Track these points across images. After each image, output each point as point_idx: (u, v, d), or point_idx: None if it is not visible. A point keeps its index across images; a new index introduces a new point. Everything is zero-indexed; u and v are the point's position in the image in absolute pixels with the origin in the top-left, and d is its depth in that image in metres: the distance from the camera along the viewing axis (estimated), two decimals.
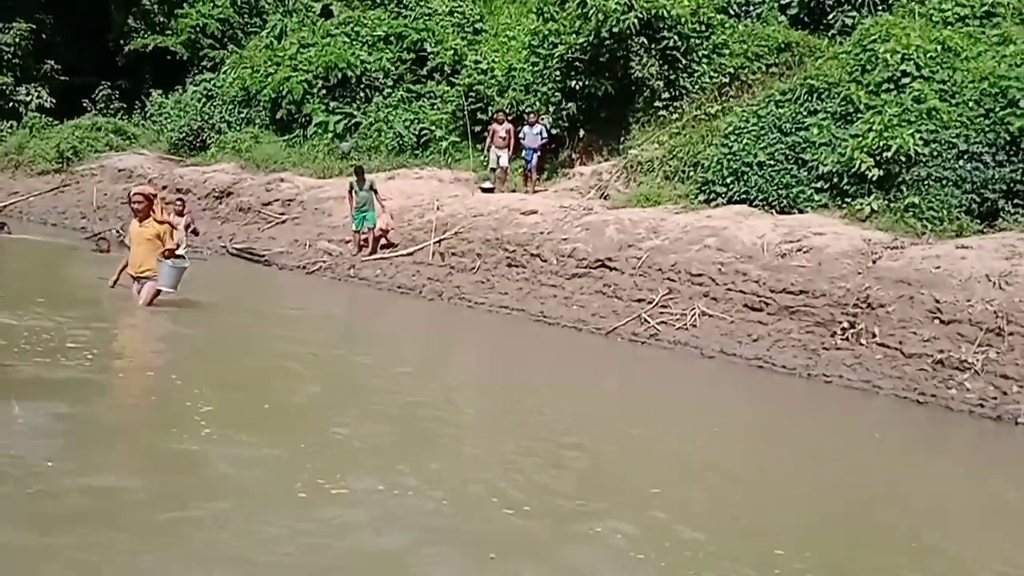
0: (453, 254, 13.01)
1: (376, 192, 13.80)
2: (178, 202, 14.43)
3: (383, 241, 13.94)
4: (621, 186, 13.51)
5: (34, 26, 22.42)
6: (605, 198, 13.30)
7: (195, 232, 14.49)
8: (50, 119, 21.85)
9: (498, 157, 14.60)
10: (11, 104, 22.22)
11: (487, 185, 14.54)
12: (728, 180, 11.64)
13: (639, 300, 10.11)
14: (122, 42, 23.14)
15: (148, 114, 21.46)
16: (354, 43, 19.17)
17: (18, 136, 21.45)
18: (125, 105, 22.58)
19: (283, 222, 15.98)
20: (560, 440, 5.36)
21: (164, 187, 18.31)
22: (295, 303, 11.22)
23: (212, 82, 21.00)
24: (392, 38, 19.11)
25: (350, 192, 13.91)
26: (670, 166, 13.07)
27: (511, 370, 8.28)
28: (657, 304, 9.89)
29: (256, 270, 14.17)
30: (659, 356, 9.09)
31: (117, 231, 15.52)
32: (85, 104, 22.42)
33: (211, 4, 23.07)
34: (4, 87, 22.04)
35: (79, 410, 4.60)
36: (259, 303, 11.05)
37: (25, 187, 20.00)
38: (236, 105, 20.27)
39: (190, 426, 4.47)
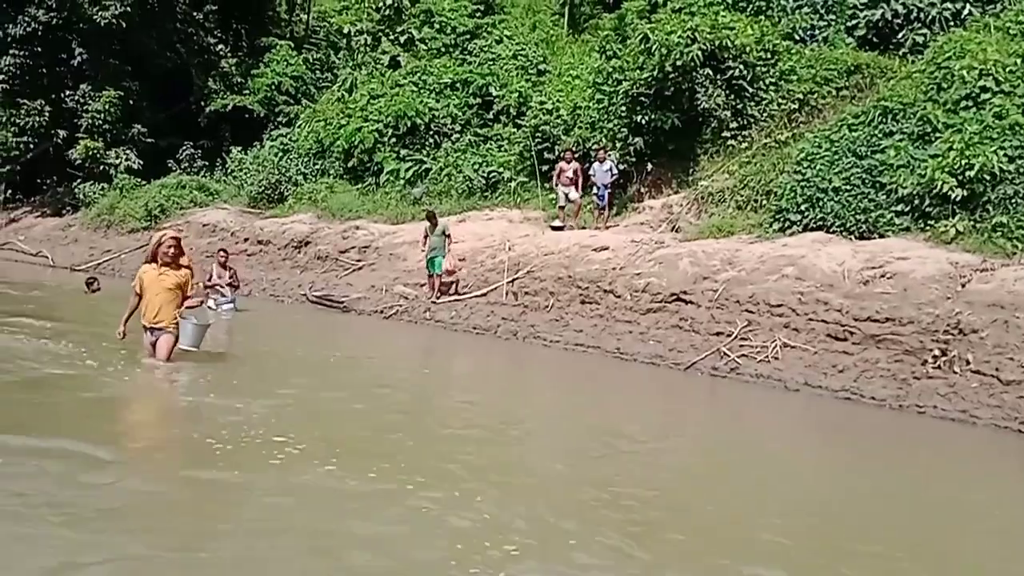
0: (526, 293, 13.10)
1: (448, 237, 14.06)
2: (220, 254, 14.21)
3: (450, 279, 14.14)
4: (692, 218, 13.42)
5: (122, 93, 23.69)
6: (676, 231, 13.22)
7: (236, 286, 13.96)
8: (138, 180, 22.94)
9: (567, 195, 14.69)
10: (102, 167, 23.42)
11: (556, 223, 14.62)
12: (803, 207, 11.44)
13: (717, 333, 9.97)
14: (203, 103, 24.27)
15: (229, 170, 22.35)
16: (422, 91, 19.68)
17: (109, 197, 22.57)
18: (207, 163, 23.60)
19: (360, 268, 16.36)
20: (653, 486, 5.05)
21: (245, 239, 19.05)
22: (371, 350, 11.38)
23: (288, 136, 21.81)
24: (458, 84, 19.55)
25: (424, 237, 14.26)
26: (742, 196, 12.95)
27: (604, 413, 7.72)
28: (736, 337, 9.73)
29: (336, 317, 14.50)
30: (742, 390, 8.91)
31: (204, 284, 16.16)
32: (170, 164, 23.51)
33: (285, 63, 24.05)
34: (96, 152, 23.28)
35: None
36: (337, 349, 11.25)
37: (117, 245, 21.01)
38: (311, 157, 20.96)
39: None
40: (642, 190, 15.10)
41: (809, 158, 11.81)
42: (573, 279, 12.46)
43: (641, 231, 13.53)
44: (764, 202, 12.46)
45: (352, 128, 19.70)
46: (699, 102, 13.98)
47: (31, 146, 24.81)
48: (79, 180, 23.75)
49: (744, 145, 13.79)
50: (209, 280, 13.55)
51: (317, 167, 20.80)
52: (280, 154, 21.21)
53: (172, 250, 7.36)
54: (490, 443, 5.81)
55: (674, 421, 7.73)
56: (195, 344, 7.86)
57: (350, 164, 19.87)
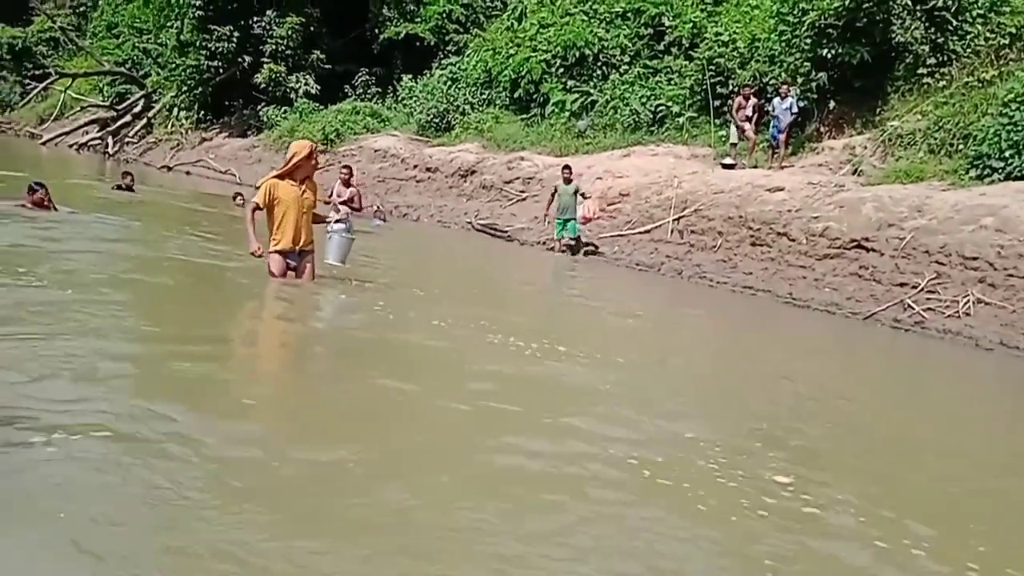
0: (692, 232, 12.90)
1: (585, 196, 13.50)
2: (344, 170, 13.12)
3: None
4: (877, 161, 12.66)
5: (303, 20, 24.77)
6: (858, 174, 12.52)
7: (358, 208, 12.82)
8: (316, 104, 24.07)
9: (741, 132, 14.21)
10: (284, 91, 24.71)
11: (728, 161, 14.19)
12: (1007, 154, 10.52)
13: (901, 284, 9.49)
14: (377, 31, 24.93)
15: (399, 98, 23.01)
16: (592, 21, 19.36)
17: (290, 120, 23.83)
18: (380, 90, 24.38)
19: (523, 199, 16.61)
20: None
21: (415, 166, 19.71)
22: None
23: (456, 65, 22.12)
24: (630, 14, 19.06)
25: (553, 194, 13.86)
26: (935, 139, 12.06)
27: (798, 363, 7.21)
28: (923, 289, 9.23)
29: (500, 245, 14.86)
30: (928, 346, 8.49)
31: (377, 206, 16.96)
32: (346, 90, 24.49)
33: None
34: (278, 76, 24.55)
35: None
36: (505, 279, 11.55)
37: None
38: (478, 87, 21.21)
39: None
40: (822, 129, 14.33)
41: (1019, 100, 10.80)
42: (744, 219, 12.14)
43: (819, 173, 12.92)
44: (961, 146, 11.54)
45: (520, 58, 19.72)
46: (894, 35, 13.01)
47: (220, 70, 26.47)
48: (263, 103, 25.17)
49: (942, 83, 12.76)
50: (330, 197, 12.55)
51: (484, 97, 21.04)
52: (449, 83, 21.58)
53: (315, 164, 6.74)
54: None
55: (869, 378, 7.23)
56: (341, 259, 7.29)
57: (516, 94, 19.96)
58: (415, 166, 19.54)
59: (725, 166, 14.10)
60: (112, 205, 12.22)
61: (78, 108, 35.37)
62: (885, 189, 11.20)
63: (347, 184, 12.60)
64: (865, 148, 12.99)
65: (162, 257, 7.82)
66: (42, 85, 35.40)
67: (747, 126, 14.10)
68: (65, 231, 8.19)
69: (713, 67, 15.90)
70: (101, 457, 2.80)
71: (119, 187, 14.73)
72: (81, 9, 42.85)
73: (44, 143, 32.14)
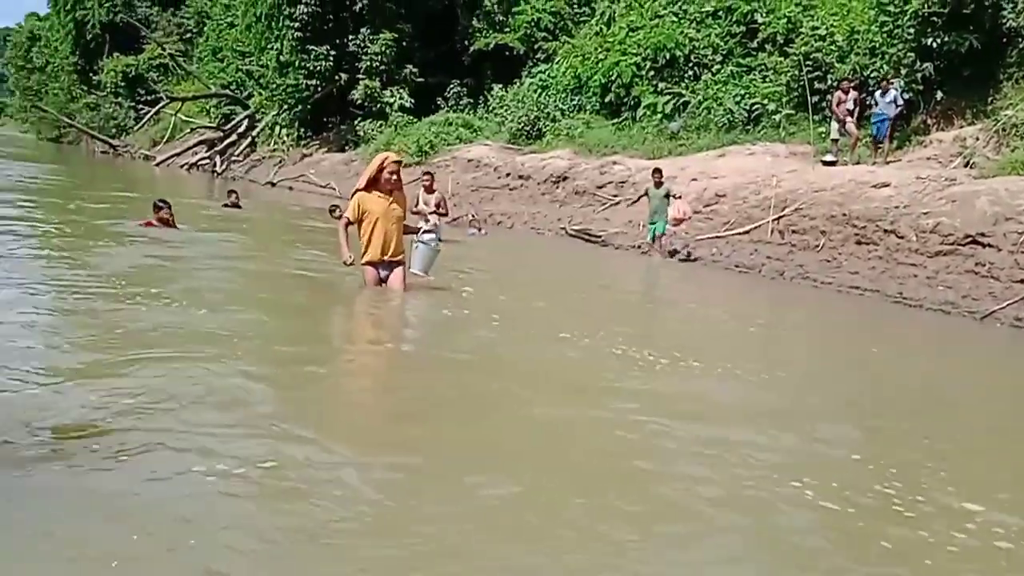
0: (794, 231, 12.62)
1: (674, 197, 13.35)
2: (426, 177, 12.92)
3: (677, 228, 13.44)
4: (990, 152, 12.11)
5: (396, 35, 25.47)
6: (971, 166, 11.98)
7: (444, 213, 12.72)
8: (410, 117, 24.70)
9: (842, 127, 13.82)
10: (379, 106, 25.46)
11: (829, 158, 13.82)
12: None
13: (1022, 281, 9.05)
14: (467, 43, 25.39)
15: (490, 107, 23.35)
16: (682, 22, 19.19)
17: (385, 134, 24.51)
18: (471, 100, 24.82)
19: (617, 204, 16.59)
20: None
21: (507, 174, 19.94)
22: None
23: (546, 73, 22.31)
24: (721, 12, 18.80)
25: (644, 195, 13.87)
26: None
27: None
28: None
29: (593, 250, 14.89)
30: None
31: (472, 216, 17.26)
32: (438, 102, 25.03)
33: None
34: (373, 91, 25.33)
35: None
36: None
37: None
38: (568, 93, 21.32)
39: None
40: (929, 122, 13.80)
41: None
42: (848, 217, 11.80)
43: (928, 166, 12.43)
44: None
45: (610, 62, 19.72)
46: (1004, 20, 12.46)
47: (318, 88, 27.49)
48: (359, 118, 25.99)
49: None
50: (416, 206, 12.26)
51: (574, 103, 21.13)
52: (539, 90, 21.78)
53: (396, 176, 6.77)
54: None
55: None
56: (425, 269, 7.35)
57: (607, 99, 19.97)
58: (507, 174, 19.77)
59: (826, 163, 13.74)
60: (224, 222, 12.88)
61: (187, 130, 37.39)
62: (1000, 181, 10.68)
63: (430, 191, 12.55)
64: (977, 139, 12.45)
65: (280, 272, 8.17)
66: (155, 110, 37.58)
67: (848, 121, 13.69)
68: (190, 250, 8.69)
69: (810, 62, 15.51)
70: (262, 487, 2.80)
71: (227, 205, 15.50)
72: (188, 36, 45.20)
73: (157, 164, 34.07)
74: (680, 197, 13.56)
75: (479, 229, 16.09)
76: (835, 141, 13.99)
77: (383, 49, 25.27)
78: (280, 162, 29.05)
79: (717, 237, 13.51)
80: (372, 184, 6.76)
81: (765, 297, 10.88)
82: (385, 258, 6.80)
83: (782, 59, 16.80)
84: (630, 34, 19.96)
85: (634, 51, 19.45)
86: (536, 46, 23.78)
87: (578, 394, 4.56)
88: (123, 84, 44.31)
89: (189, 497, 2.70)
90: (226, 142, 33.35)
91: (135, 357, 4.15)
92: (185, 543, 2.41)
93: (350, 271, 7.00)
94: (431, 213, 11.91)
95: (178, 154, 34.69)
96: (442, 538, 2.61)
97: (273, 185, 26.83)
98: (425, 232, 7.40)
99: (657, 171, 13.87)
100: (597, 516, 2.86)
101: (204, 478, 2.82)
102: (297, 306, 6.73)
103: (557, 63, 22.33)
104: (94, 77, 46.87)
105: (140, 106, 41.52)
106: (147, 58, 44.47)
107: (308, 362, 4.69)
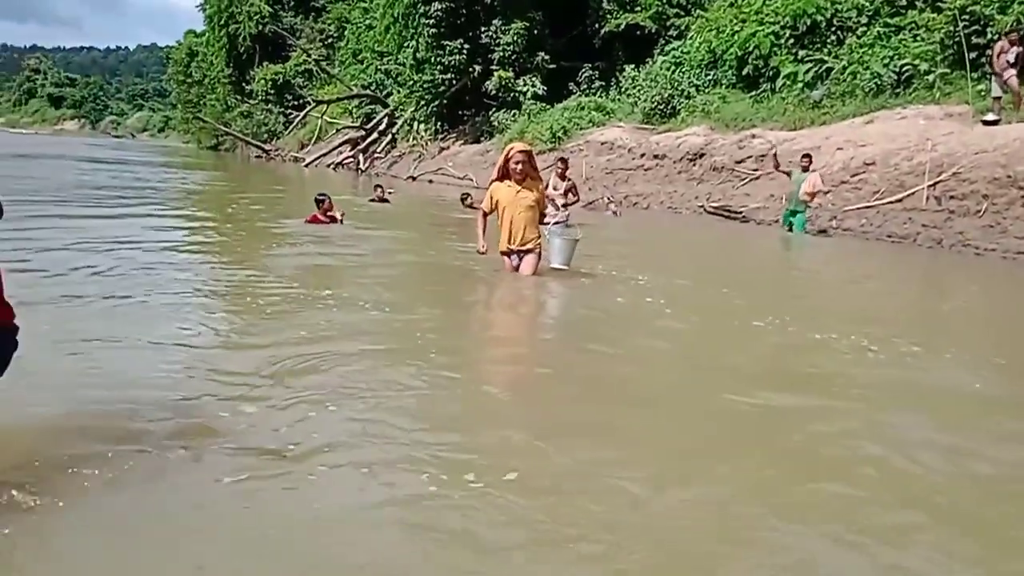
0: (952, 197, 11.94)
1: (812, 170, 12.86)
2: (559, 163, 12.69)
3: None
4: None
5: (527, 24, 25.77)
6: None
7: (575, 200, 12.39)
8: (544, 104, 24.95)
9: (1004, 83, 12.87)
10: (512, 96, 25.85)
11: (991, 117, 12.91)
12: None
13: None
14: (597, 25, 25.33)
15: (622, 89, 23.21)
16: None
17: (519, 123, 24.89)
18: (603, 83, 24.79)
19: (757, 178, 16.18)
20: None
21: (641, 155, 19.82)
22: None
23: (679, 49, 21.94)
24: None
25: (787, 175, 13.32)
26: None
27: None
28: None
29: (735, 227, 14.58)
30: None
31: (607, 198, 17.32)
32: (570, 87, 25.14)
33: None
34: (507, 81, 25.76)
35: None
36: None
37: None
38: (702, 68, 20.91)
39: None
40: None
41: None
42: (1013, 179, 11.04)
43: None
44: None
45: (746, 33, 19.20)
46: None
47: (453, 82, 28.25)
48: (493, 109, 26.51)
49: None
50: (544, 190, 12.33)
51: (709, 78, 20.70)
52: (672, 68, 21.46)
53: (521, 165, 6.79)
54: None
55: None
56: (566, 262, 7.22)
57: (744, 71, 19.45)
58: (642, 155, 19.66)
59: (987, 123, 12.85)
60: (377, 216, 13.49)
61: (332, 131, 39.36)
62: None
63: (563, 177, 12.23)
64: None
65: (445, 265, 8.11)
66: (302, 115, 39.78)
67: (1011, 75, 12.74)
68: (355, 247, 8.85)
69: (967, 16, 14.53)
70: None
71: (374, 200, 16.27)
72: (329, 41, 47.48)
73: (306, 165, 36.10)
74: (814, 171, 13.05)
75: (616, 212, 16.13)
76: (997, 99, 13.04)
77: (515, 39, 25.64)
78: (419, 156, 30.05)
79: (866, 207, 12.95)
80: (504, 174, 6.90)
81: (934, 269, 10.26)
82: (513, 247, 6.91)
83: (935, 15, 15.81)
84: (767, 3, 19.35)
85: (772, 20, 18.84)
86: (668, 23, 23.44)
87: (804, 384, 4.18)
88: (272, 91, 47.04)
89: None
90: (368, 140, 34.87)
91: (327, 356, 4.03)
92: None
93: (491, 260, 7.09)
94: (562, 202, 11.72)
95: (324, 154, 36.61)
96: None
97: (414, 179, 27.81)
98: (555, 223, 7.26)
99: (806, 156, 13.28)
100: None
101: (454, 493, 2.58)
102: (473, 304, 6.52)
103: (690, 39, 21.93)
104: (246, 87, 50.00)
105: (288, 111, 44.03)
106: (293, 65, 47.02)
107: (495, 363, 4.54)
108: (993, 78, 13.10)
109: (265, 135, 46.77)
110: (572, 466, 2.84)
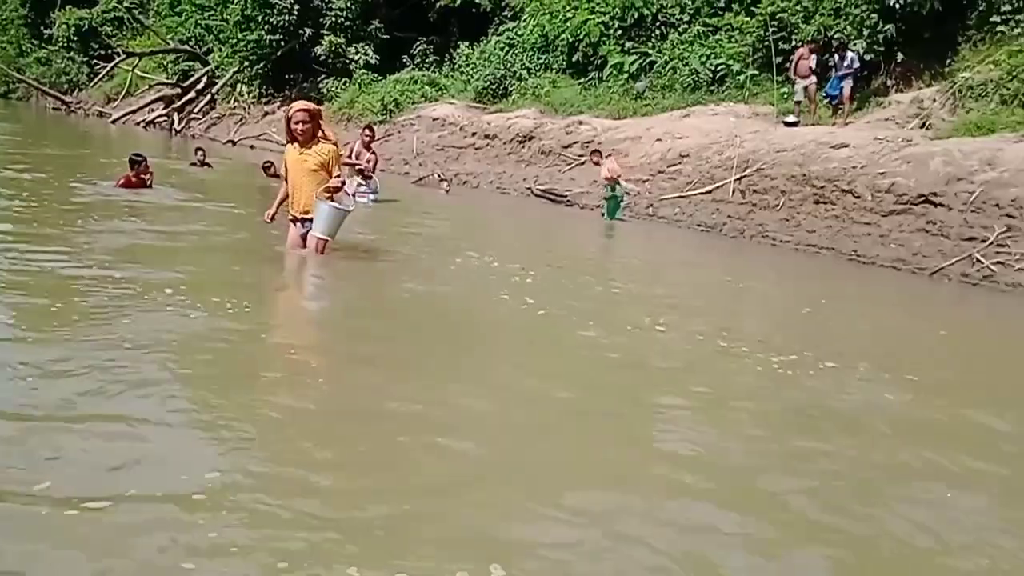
0: (755, 191, 12.83)
1: (606, 156, 13.73)
2: (366, 132, 12.05)
3: None
4: (946, 114, 12.38)
5: None
6: (927, 128, 12.26)
7: (369, 176, 11.83)
8: (375, 75, 24.33)
9: (804, 88, 14.00)
10: (343, 63, 25.04)
11: (791, 119, 14.02)
12: None
13: (970, 239, 9.37)
14: None
15: (456, 65, 23.11)
16: None
17: (350, 92, 24.15)
18: (437, 58, 24.52)
19: (582, 164, 16.65)
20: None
21: (473, 133, 19.84)
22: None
23: (513, 31, 22.09)
24: None
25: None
26: (1008, 89, 11.74)
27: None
28: (992, 243, 9.10)
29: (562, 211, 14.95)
30: (996, 299, 8.40)
31: (439, 175, 17.22)
32: (404, 59, 24.69)
33: None
34: (338, 48, 24.87)
35: None
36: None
37: (354, 137, 22.67)
38: (535, 52, 21.19)
39: None
40: (888, 83, 14.05)
41: None
42: (807, 177, 12.02)
43: (886, 127, 12.69)
44: None
45: (578, 20, 19.61)
46: None
47: (281, 44, 26.91)
48: (323, 76, 25.57)
49: (1017, 31, 12.38)
50: (349, 156, 11.59)
51: (541, 61, 21.03)
52: (505, 48, 21.60)
53: (302, 125, 6.20)
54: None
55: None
56: (330, 232, 6.48)
57: (574, 58, 19.91)
58: (473, 133, 19.69)
59: (788, 124, 13.94)
60: (196, 183, 12.62)
61: (144, 86, 36.43)
62: (955, 142, 10.96)
63: (368, 147, 11.65)
64: (934, 101, 12.70)
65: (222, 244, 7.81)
66: (110, 66, 36.54)
67: (811, 81, 13.87)
68: (180, 220, 8.11)
69: (776, 22, 15.62)
70: None
71: (194, 163, 15.27)
72: None
73: (113, 121, 33.19)
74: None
75: (447, 189, 16.08)
76: (799, 103, 14.18)
77: (348, 4, 24.79)
78: (241, 120, 28.51)
79: (680, 197, 13.69)
80: (292, 137, 6.39)
81: (753, 261, 10.84)
82: (297, 213, 6.50)
83: (748, 19, 16.88)
84: None
85: (602, 10, 19.35)
86: (503, 3, 23.48)
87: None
88: (76, 38, 42.84)
89: None
90: (184, 99, 32.57)
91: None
92: None
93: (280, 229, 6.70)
94: (356, 170, 11.10)
95: (134, 111, 33.80)
96: None
97: (234, 144, 26.35)
98: (365, 190, 6.91)
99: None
100: None
101: None
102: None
103: (524, 21, 22.11)
104: (45, 31, 45.31)
105: (94, 61, 40.32)
106: (101, 11, 42.99)
107: None
108: (796, 83, 14.20)
109: (66, 85, 42.55)
110: None
